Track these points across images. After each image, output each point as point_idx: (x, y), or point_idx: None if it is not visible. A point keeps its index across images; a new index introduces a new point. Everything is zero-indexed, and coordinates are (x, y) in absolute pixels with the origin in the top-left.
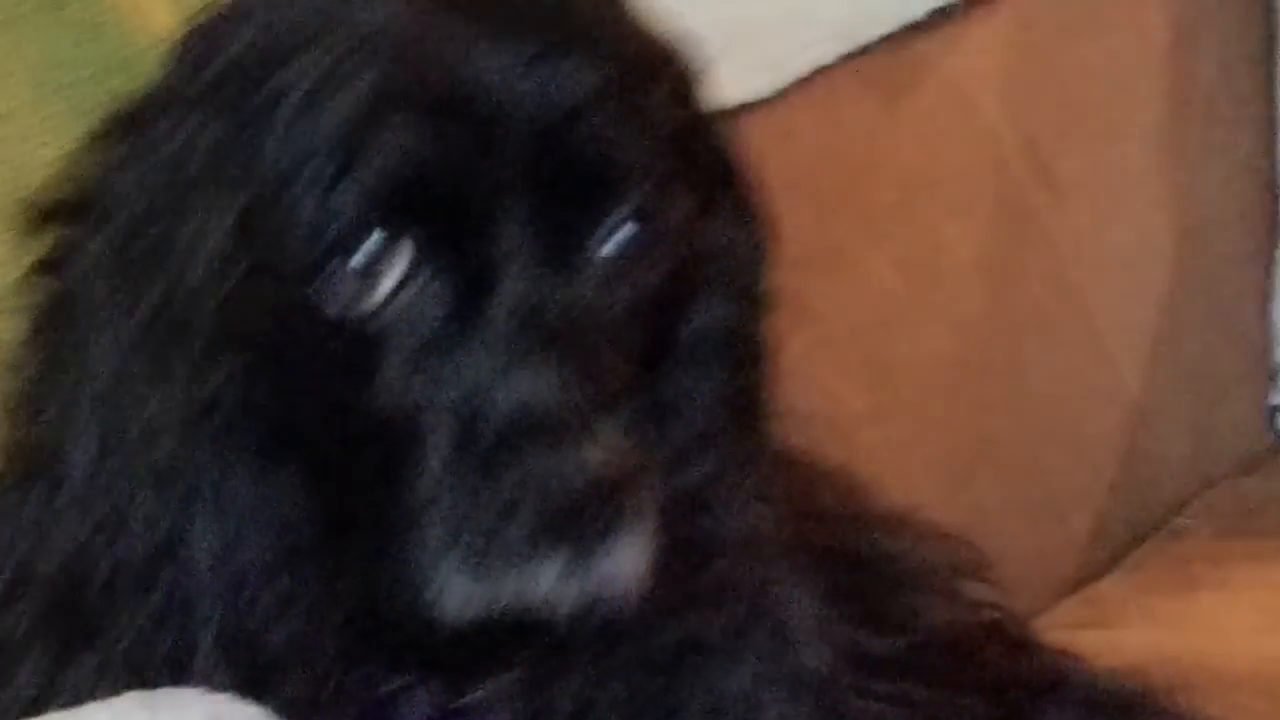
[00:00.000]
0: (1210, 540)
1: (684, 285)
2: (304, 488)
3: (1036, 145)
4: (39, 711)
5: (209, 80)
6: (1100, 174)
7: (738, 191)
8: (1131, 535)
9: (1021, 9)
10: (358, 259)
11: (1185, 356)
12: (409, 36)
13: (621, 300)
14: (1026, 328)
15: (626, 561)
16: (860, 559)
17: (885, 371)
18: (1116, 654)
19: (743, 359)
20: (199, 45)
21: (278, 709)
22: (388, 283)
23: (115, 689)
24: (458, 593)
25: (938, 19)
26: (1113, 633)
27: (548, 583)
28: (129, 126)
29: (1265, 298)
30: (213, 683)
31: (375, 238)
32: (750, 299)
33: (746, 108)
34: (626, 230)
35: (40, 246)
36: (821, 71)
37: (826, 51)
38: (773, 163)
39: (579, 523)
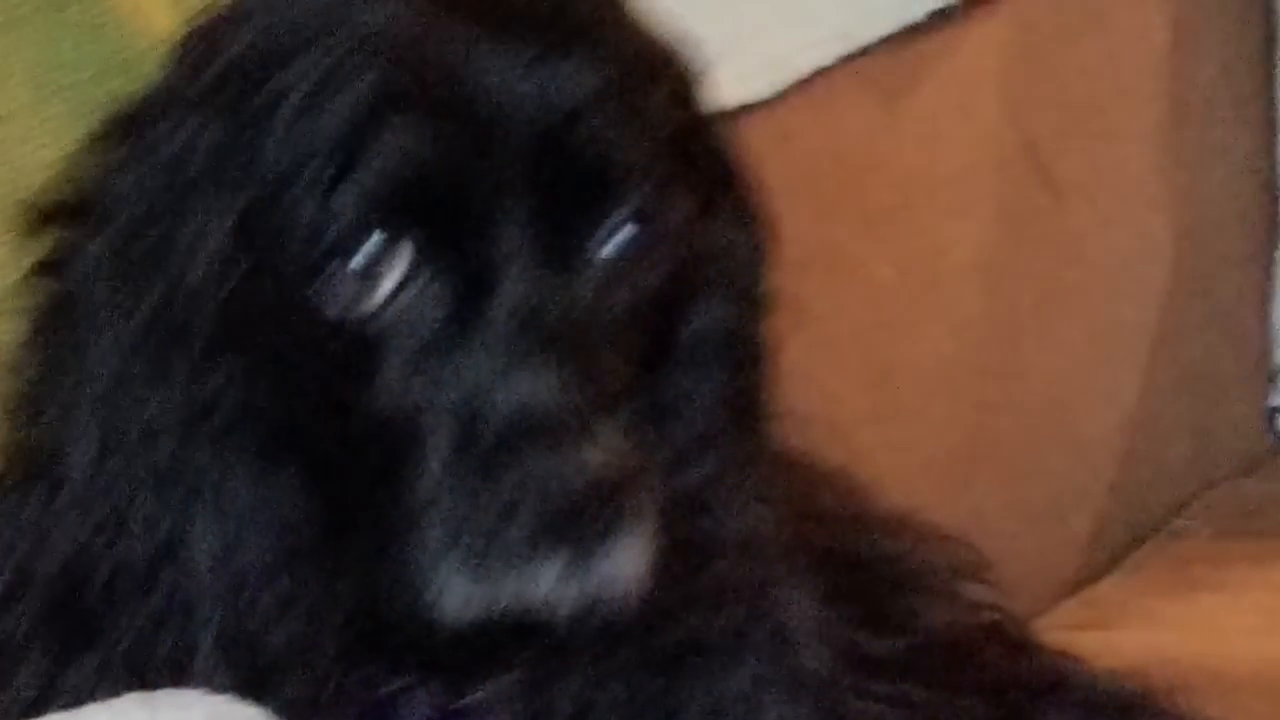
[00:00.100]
0: (1210, 542)
1: (684, 286)
2: (304, 489)
3: (1036, 146)
4: (39, 712)
5: (209, 82)
6: (1100, 175)
7: (737, 193)
8: (1131, 536)
9: (1021, 10)
10: (358, 260)
11: (1185, 358)
12: (409, 38)
13: (621, 301)
14: (1026, 329)
15: (626, 563)
16: (860, 560)
17: (885, 373)
18: (1116, 655)
19: (742, 360)
20: (199, 47)
21: (278, 710)
22: (387, 284)
23: (115, 690)
24: (458, 594)
25: (937, 20)
26: (1112, 634)
27: (547, 584)
28: (129, 128)
29: (1265, 299)
30: (213, 684)
31: (375, 239)
32: (750, 300)
33: (746, 109)
34: (626, 232)
35: (40, 248)
36: (821, 73)
37: (826, 53)
38: (772, 164)
39: (579, 524)
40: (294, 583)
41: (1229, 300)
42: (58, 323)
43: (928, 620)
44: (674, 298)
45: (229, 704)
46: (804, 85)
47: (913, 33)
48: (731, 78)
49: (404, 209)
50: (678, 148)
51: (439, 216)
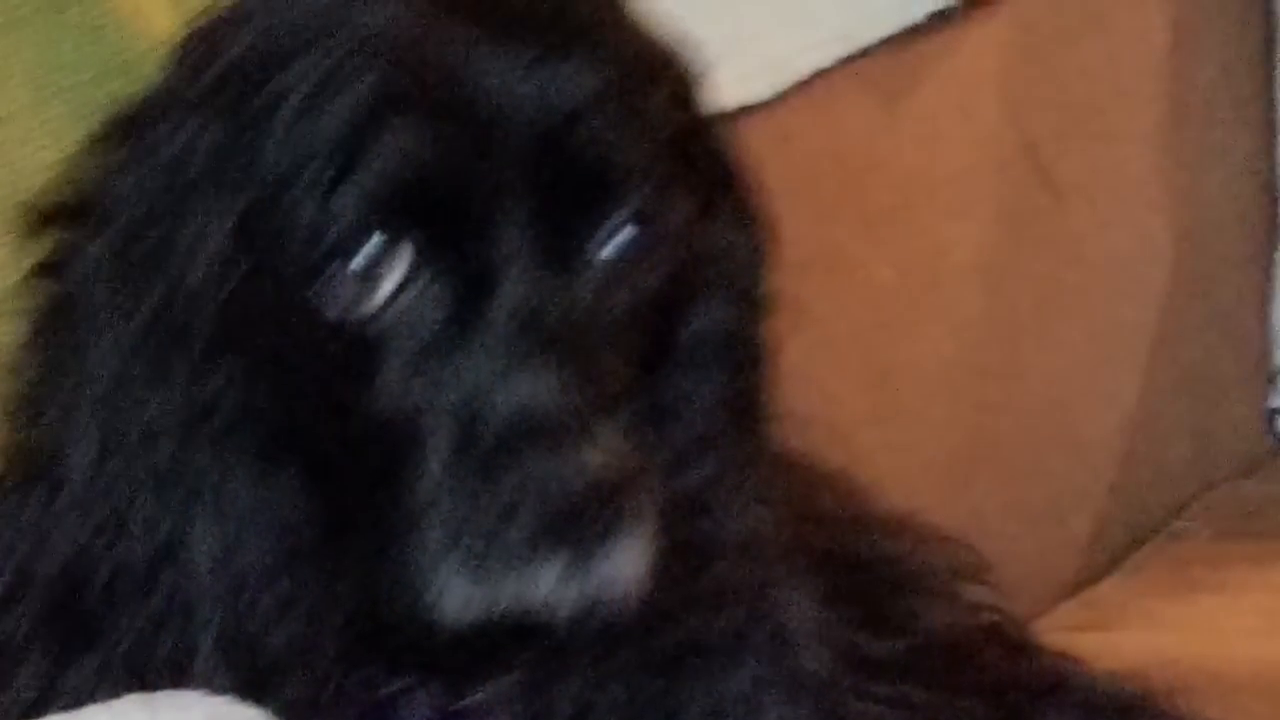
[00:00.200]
0: (1210, 543)
1: (683, 288)
2: (304, 490)
3: (1036, 147)
4: (39, 713)
5: (209, 83)
6: (1100, 176)
7: (737, 194)
8: (1131, 538)
9: (1021, 11)
10: (358, 262)
11: (1185, 359)
12: (409, 39)
13: (621, 303)
14: (1026, 330)
15: (626, 564)
16: (860, 561)
17: (885, 374)
18: (1116, 656)
19: (742, 361)
20: (199, 48)
21: (278, 711)
22: (387, 285)
23: (115, 691)
24: (457, 595)
25: (937, 22)
26: (1112, 635)
27: (547, 585)
28: (129, 129)
29: (1265, 300)
30: (213, 685)
31: (375, 240)
32: (750, 302)
33: (746, 111)
34: (626, 233)
35: (40, 249)
36: (821, 74)
37: (826, 54)
38: (772, 166)
39: (579, 525)
40: (294, 584)
41: (1229, 301)
42: (58, 324)
43: (928, 621)
44: (674, 299)
45: (229, 705)
46: (804, 86)
47: (912, 34)
48: (731, 79)
49: (404, 210)
50: (678, 149)
51: (439, 218)
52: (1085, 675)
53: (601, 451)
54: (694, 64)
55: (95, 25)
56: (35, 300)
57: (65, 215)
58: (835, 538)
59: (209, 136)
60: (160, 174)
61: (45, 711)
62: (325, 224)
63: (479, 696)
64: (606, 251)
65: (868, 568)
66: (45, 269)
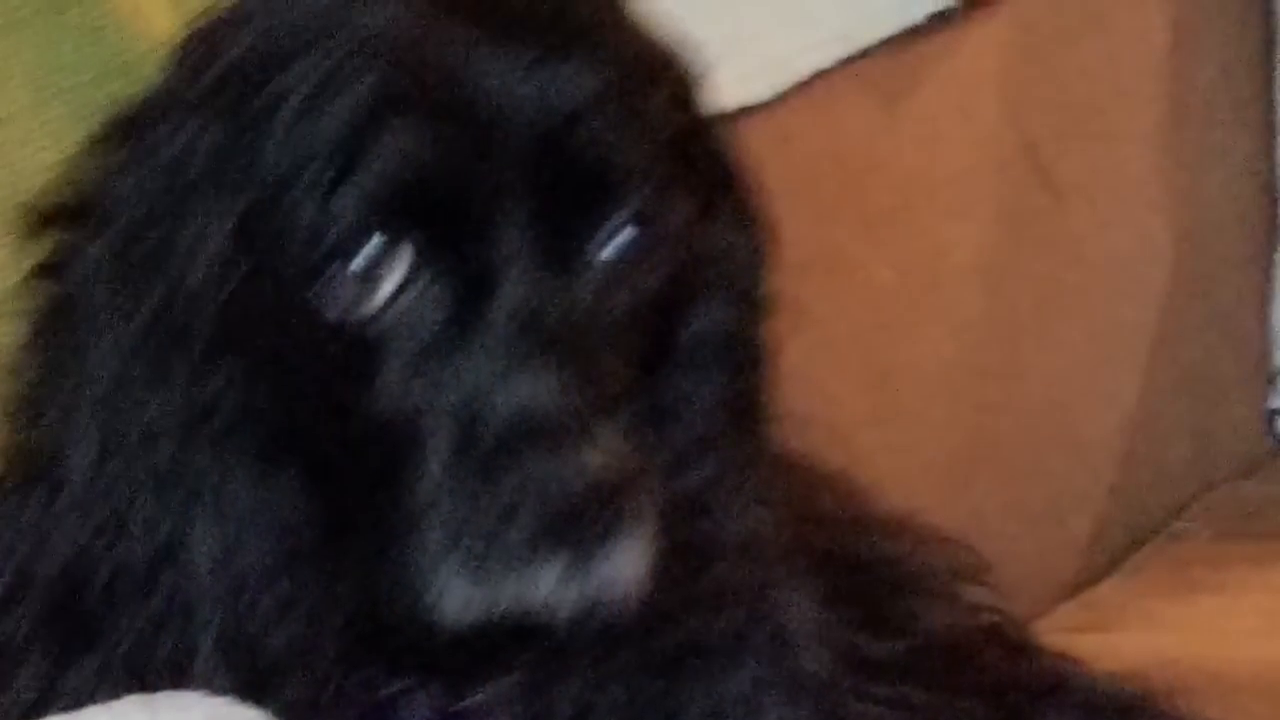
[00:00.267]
0: (1210, 544)
1: (683, 289)
2: (304, 491)
3: (1036, 148)
4: (39, 714)
5: (209, 84)
6: (1100, 176)
7: (737, 195)
8: (1131, 539)
9: (1021, 12)
10: (358, 263)
11: (1184, 359)
12: (409, 40)
13: (621, 304)
14: (1026, 331)
15: (626, 565)
16: (859, 562)
17: (885, 375)
18: (1116, 657)
19: (742, 363)
20: (199, 49)
21: (278, 712)
22: (387, 286)
23: (115, 692)
24: (457, 596)
25: (937, 22)
26: (1112, 636)
27: (547, 586)
28: (129, 130)
29: (1264, 301)
30: (213, 686)
31: (375, 241)
32: (750, 302)
33: (746, 112)
34: (626, 234)
35: (40, 250)
36: (821, 75)
37: (826, 55)
38: (772, 166)
39: (579, 526)
40: (294, 585)
41: (1228, 302)
42: (58, 325)
43: (927, 622)
44: (674, 300)
45: (229, 706)
46: (804, 87)
47: (912, 35)
48: (731, 80)
49: (404, 211)
50: (678, 150)
51: (439, 219)
52: (1085, 676)
53: (601, 452)
54: (694, 65)
55: (95, 26)
56: (35, 301)
57: (65, 216)
58: (835, 539)
59: (209, 137)
60: (160, 175)
61: (45, 712)
62: (325, 225)
63: (479, 697)
64: (606, 252)
65: (868, 569)
66: (45, 270)
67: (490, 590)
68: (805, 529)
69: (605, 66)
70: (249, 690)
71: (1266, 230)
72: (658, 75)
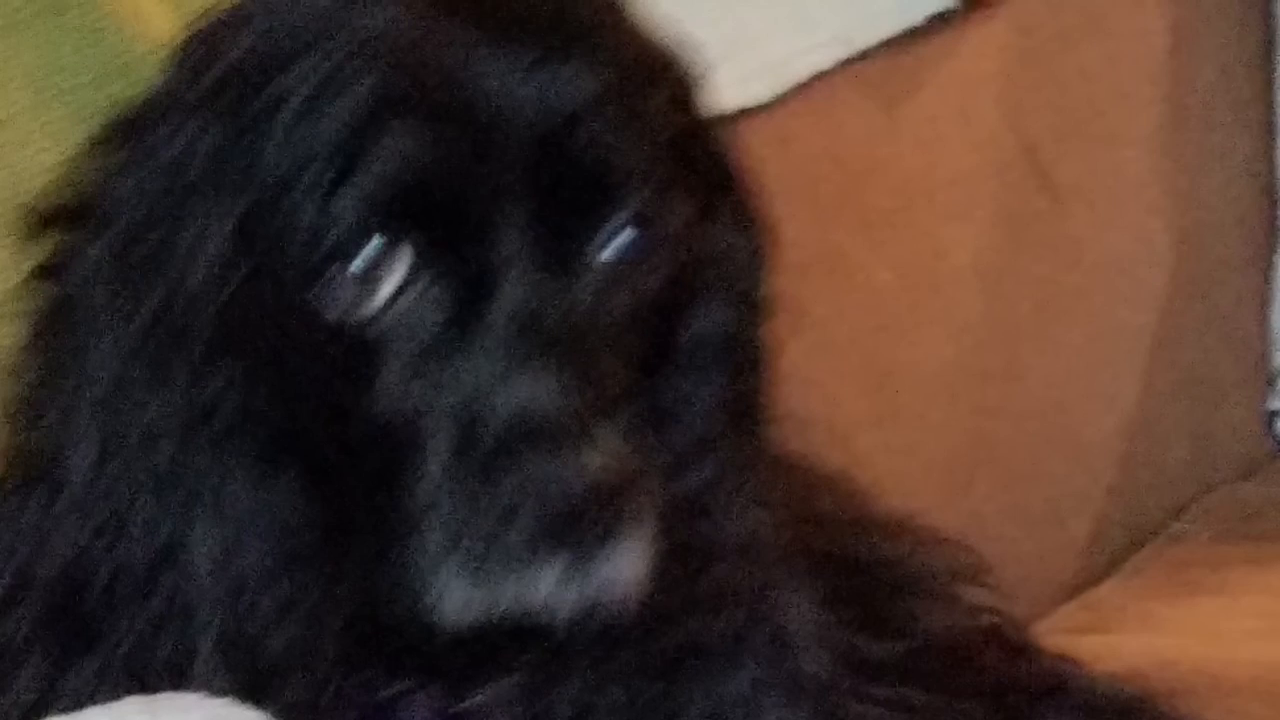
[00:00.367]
0: (1209, 545)
1: (683, 290)
2: (304, 493)
3: (1035, 150)
4: (39, 716)
5: (209, 85)
6: (1099, 179)
7: (737, 197)
8: (1130, 540)
9: (1020, 14)
10: (357, 264)
11: (1184, 361)
12: (409, 42)
13: (621, 305)
14: (1025, 332)
15: (626, 566)
16: (859, 564)
17: (884, 376)
18: (1115, 659)
19: (742, 364)
20: (199, 50)
21: (278, 713)
22: (387, 288)
23: (115, 693)
24: (457, 597)
25: (937, 24)
26: (1111, 637)
27: (547, 587)
28: (129, 132)
29: (1264, 303)
30: (213, 687)
31: (375, 243)
32: (749, 304)
33: (746, 113)
34: (626, 235)
35: (40, 252)
36: (821, 77)
37: (826, 57)
38: (772, 168)
39: (578, 528)
40: (294, 586)
41: (1228, 304)
42: (58, 326)
43: (927, 624)
44: (673, 301)
45: (229, 707)
46: (804, 89)
47: (912, 36)
48: (731, 81)
49: (404, 213)
50: (677, 151)
51: (439, 220)
52: (1085, 677)
53: (601, 454)
54: (694, 66)
55: (95, 28)
56: (35, 302)
57: (65, 218)
58: (835, 540)
59: (209, 139)
60: (160, 176)
61: (45, 714)
62: (325, 226)
63: (479, 699)
64: (606, 254)
65: (867, 570)
66: (45, 271)
67: (490, 591)
68: (805, 530)
69: (605, 68)
70: (249, 691)
71: (1266, 232)
72: (657, 77)
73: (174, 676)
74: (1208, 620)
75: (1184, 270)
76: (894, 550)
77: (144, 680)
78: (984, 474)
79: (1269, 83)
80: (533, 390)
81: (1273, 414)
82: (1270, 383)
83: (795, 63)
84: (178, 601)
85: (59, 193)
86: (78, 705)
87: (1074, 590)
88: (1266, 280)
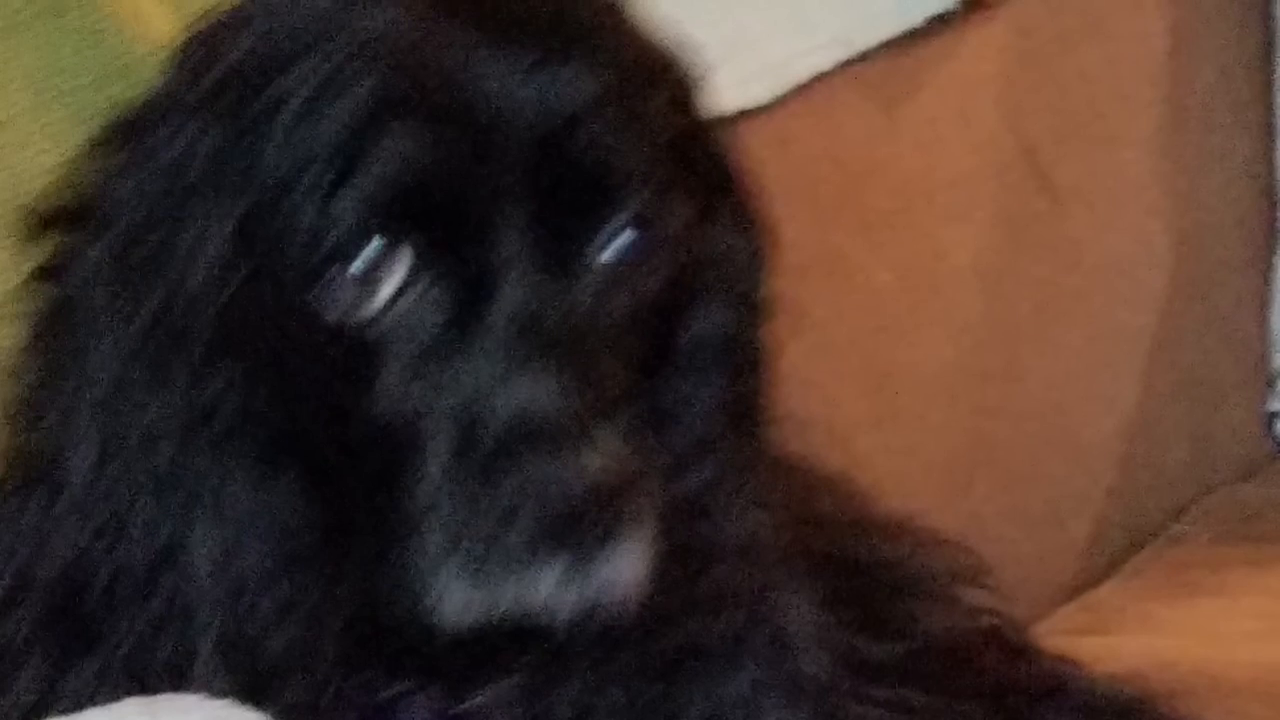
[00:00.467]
0: (1209, 546)
1: (683, 292)
2: (304, 494)
3: (1035, 152)
4: (39, 717)
5: (209, 87)
6: (1099, 180)
7: (737, 198)
8: (1130, 541)
9: (1020, 16)
10: (357, 265)
11: (1183, 363)
12: (409, 43)
13: (620, 307)
14: (1025, 334)
15: (625, 567)
16: (859, 565)
17: (884, 378)
18: (1115, 660)
19: (742, 365)
20: (199, 52)
21: (278, 715)
22: (387, 289)
23: (115, 695)
24: (457, 599)
25: (936, 26)
26: (1111, 639)
27: (547, 589)
28: (129, 133)
29: (1263, 304)
30: (212, 689)
31: (375, 244)
32: (749, 305)
33: (746, 115)
34: (625, 237)
35: (40, 253)
36: (821, 78)
37: (825, 59)
38: (772, 169)
39: (578, 529)
40: (294, 588)
41: (1227, 305)
42: (58, 328)
43: (927, 625)
44: (673, 303)
45: (229, 709)
46: (803, 90)
47: (912, 38)
48: (731, 83)
49: (403, 214)
50: (677, 153)
51: (438, 222)
52: (1084, 678)
53: (601, 455)
54: (693, 68)
55: (95, 29)
56: (35, 304)
57: (65, 219)
58: (834, 541)
59: (209, 140)
60: (160, 178)
61: (45, 715)
62: (325, 228)
63: (479, 700)
64: (606, 255)
65: (867, 571)
66: (45, 273)
67: (490, 593)
68: (804, 531)
69: (605, 69)
70: (249, 693)
71: (1265, 233)
72: (657, 78)
73: (174, 678)
74: (1207, 621)
75: (1184, 272)
76: (894, 551)
77: (144, 681)
78: (983, 475)
79: (1268, 84)
80: (533, 391)
81: (1272, 415)
82: (1270, 384)
83: (795, 64)
84: (178, 603)
85: (59, 194)
86: (78, 706)
87: (1074, 591)
88: (1266, 282)
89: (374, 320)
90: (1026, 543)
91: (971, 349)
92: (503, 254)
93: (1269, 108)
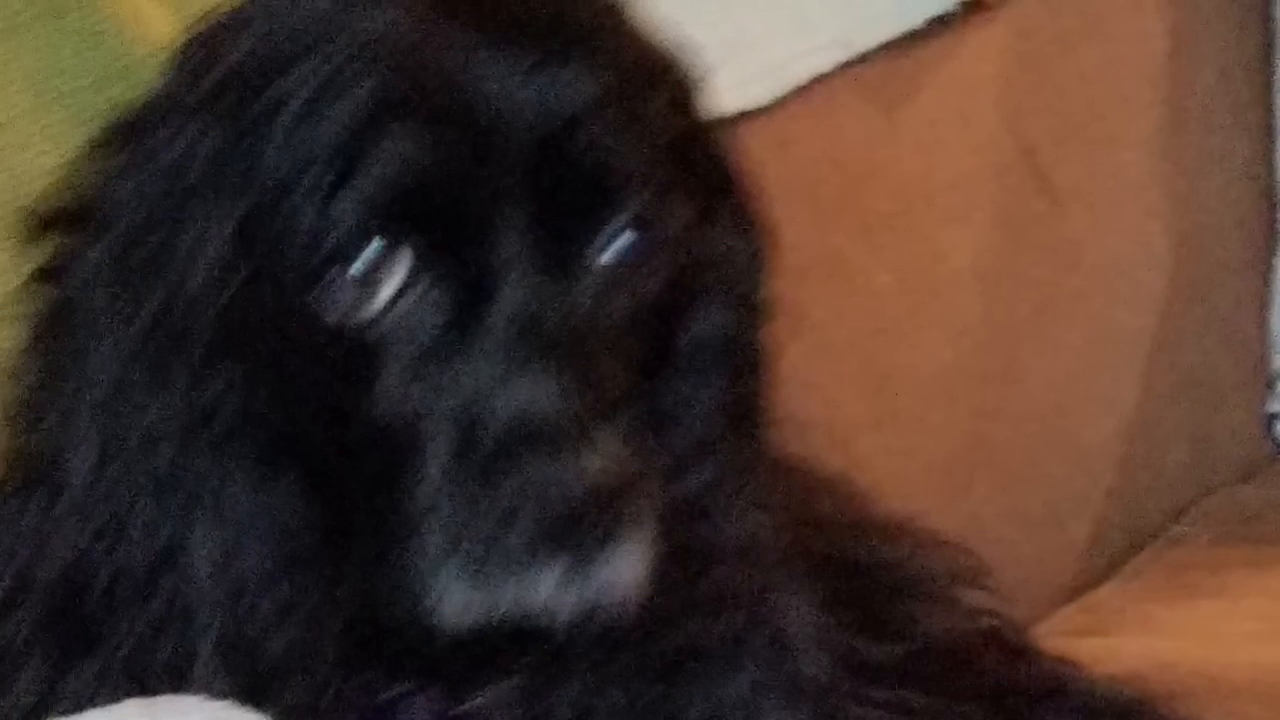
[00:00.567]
0: (1208, 548)
1: (683, 293)
2: (303, 495)
3: (1035, 153)
4: (39, 718)
5: (209, 88)
6: (1098, 182)
7: (736, 200)
8: (1129, 543)
9: (1020, 17)
10: (357, 267)
11: (1183, 364)
12: (408, 45)
13: (620, 308)
14: (1024, 335)
15: (625, 569)
16: (859, 566)
17: (884, 379)
18: (1114, 661)
19: (741, 367)
20: (199, 53)
21: (278, 716)
22: (387, 291)
23: (115, 696)
24: (457, 600)
25: (936, 27)
26: (1111, 640)
27: (547, 590)
28: (129, 134)
29: (1263, 305)
30: (212, 690)
31: (375, 246)
32: (749, 307)
33: (745, 116)
34: (625, 238)
35: (40, 254)
36: (820, 80)
37: (825, 60)
38: (771, 171)
39: (578, 530)
40: (293, 589)
41: (1227, 306)
42: (58, 329)
43: (926, 626)
44: (673, 304)
45: (228, 710)
46: (803, 92)
47: (912, 40)
48: (731, 84)
49: (403, 215)
50: (677, 154)
51: (438, 223)
52: (1084, 680)
53: (601, 456)
54: (693, 69)
55: (95, 31)
56: (35, 305)
57: (65, 220)
58: (834, 542)
59: (209, 142)
60: (160, 179)
61: (45, 716)
62: (325, 229)
63: (478, 701)
64: (606, 257)
65: (866, 572)
66: (45, 274)
67: (490, 594)
68: (804, 533)
69: (604, 71)
70: (248, 694)
71: (1265, 235)
72: (657, 80)
73: (174, 679)
74: (1207, 623)
75: (1183, 273)
76: (893, 553)
77: (144, 683)
78: (983, 476)
79: (1268, 85)
80: (532, 393)
81: (1272, 416)
82: (1269, 385)
83: (795, 66)
84: (178, 604)
85: (59, 195)
86: (77, 708)
87: (1073, 593)
88: (1266, 283)
89: (374, 322)
90: (1026, 544)
91: (971, 350)
92: (503, 255)
93: (1269, 109)
